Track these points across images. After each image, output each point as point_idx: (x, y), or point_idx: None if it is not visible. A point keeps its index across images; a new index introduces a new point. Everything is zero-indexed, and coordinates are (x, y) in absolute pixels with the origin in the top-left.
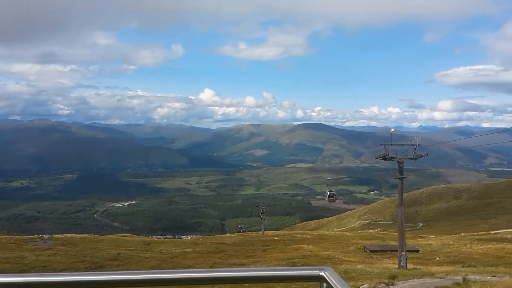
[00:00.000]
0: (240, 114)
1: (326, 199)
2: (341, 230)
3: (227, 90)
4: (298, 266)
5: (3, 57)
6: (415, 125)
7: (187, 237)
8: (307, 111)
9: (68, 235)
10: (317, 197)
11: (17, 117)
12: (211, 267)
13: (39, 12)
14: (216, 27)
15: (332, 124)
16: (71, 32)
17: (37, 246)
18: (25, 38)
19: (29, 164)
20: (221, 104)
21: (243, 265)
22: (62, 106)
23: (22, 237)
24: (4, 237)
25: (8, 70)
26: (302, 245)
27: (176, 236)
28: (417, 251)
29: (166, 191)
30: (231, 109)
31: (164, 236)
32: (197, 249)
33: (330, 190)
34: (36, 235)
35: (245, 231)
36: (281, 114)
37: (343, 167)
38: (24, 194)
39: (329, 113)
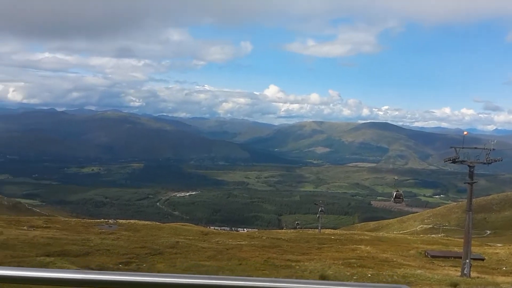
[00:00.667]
0: (304, 111)
1: (392, 199)
2: (401, 233)
3: (292, 86)
4: (363, 274)
5: (83, 51)
6: (490, 128)
7: (244, 230)
8: (373, 109)
9: (131, 221)
10: (378, 198)
11: (92, 108)
12: (265, 261)
13: (119, 9)
14: (285, 24)
15: (400, 124)
16: (146, 28)
17: (103, 230)
18: (104, 34)
19: (101, 152)
20: (285, 101)
21: (297, 261)
22: (133, 99)
23: (89, 220)
24: (74, 220)
25: (87, 63)
26: (359, 246)
27: (233, 228)
28: (483, 259)
29: (226, 184)
30: (295, 106)
31: (221, 228)
32: (252, 242)
33: (397, 191)
34: (102, 220)
35: (301, 228)
36: (346, 112)
37: (408, 168)
38: (94, 180)
39: (397, 113)
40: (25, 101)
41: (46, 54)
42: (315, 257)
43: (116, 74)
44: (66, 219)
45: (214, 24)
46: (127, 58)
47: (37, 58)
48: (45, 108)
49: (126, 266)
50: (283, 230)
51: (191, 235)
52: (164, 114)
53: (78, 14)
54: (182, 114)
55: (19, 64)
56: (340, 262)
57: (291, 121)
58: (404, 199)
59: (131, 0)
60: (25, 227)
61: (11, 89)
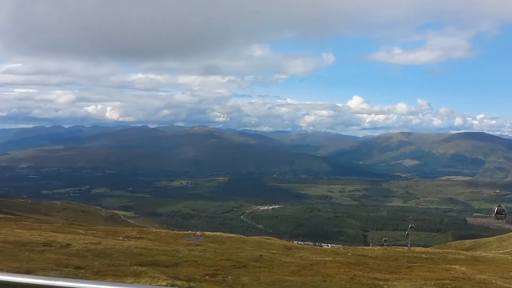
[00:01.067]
0: (390, 121)
1: (493, 215)
2: (501, 253)
3: (376, 97)
4: None
5: (173, 70)
6: None
7: (328, 246)
8: (467, 119)
9: (217, 233)
10: (474, 214)
11: (181, 124)
12: (351, 279)
13: (205, 30)
14: (369, 33)
15: (497, 133)
16: (231, 46)
17: (190, 242)
18: (192, 54)
19: (188, 166)
20: (370, 112)
21: (385, 280)
22: (218, 114)
23: (178, 232)
24: (164, 231)
25: (176, 81)
26: (453, 266)
27: (317, 243)
28: None
29: (308, 197)
30: (380, 117)
31: (305, 242)
32: (337, 258)
33: (499, 206)
34: (190, 231)
35: (389, 245)
36: (436, 122)
37: (508, 182)
38: (183, 193)
39: (494, 122)
40: (121, 119)
41: (139, 75)
42: (405, 276)
43: (202, 91)
44: (157, 230)
45: (295, 38)
46: (213, 75)
47: (131, 79)
48: (139, 125)
49: (212, 278)
50: (370, 247)
51: (274, 249)
52: (248, 128)
53: (168, 37)
54: (265, 128)
55: (116, 85)
56: (432, 283)
57: (376, 133)
58: (506, 215)
59: (217, 21)
60: (120, 237)
61: (108, 108)
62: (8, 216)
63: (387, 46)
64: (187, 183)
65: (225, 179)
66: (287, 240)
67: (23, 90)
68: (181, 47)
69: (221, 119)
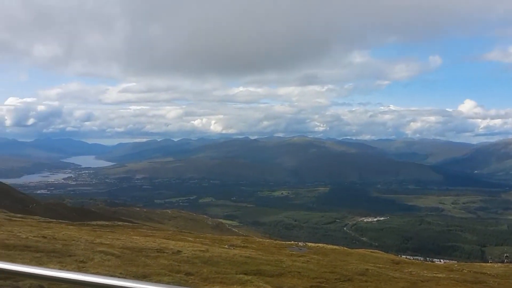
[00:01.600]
0: (509, 126)
1: None
2: None
3: (491, 100)
4: None
5: (272, 82)
6: None
7: (440, 261)
8: None
9: (320, 244)
10: None
11: (280, 134)
12: None
13: (304, 41)
14: (481, 32)
15: None
16: (330, 55)
17: (293, 252)
18: (291, 65)
19: (289, 176)
20: (485, 116)
21: None
22: (318, 124)
23: (281, 242)
24: (267, 240)
25: (275, 93)
26: None
27: (428, 258)
28: None
29: (417, 209)
30: (497, 121)
31: (414, 257)
32: (451, 275)
33: None
34: (292, 242)
35: (510, 262)
36: None
37: None
38: (284, 203)
39: None
40: (224, 131)
41: (241, 88)
42: None
43: (301, 101)
44: (261, 239)
45: (397, 42)
46: (312, 85)
47: (233, 92)
48: (241, 137)
49: None
50: (489, 264)
51: (381, 263)
52: (348, 137)
53: (268, 50)
54: (367, 137)
55: (219, 99)
56: None
57: (493, 139)
58: None
59: (316, 31)
60: (226, 246)
61: (213, 121)
62: (126, 223)
63: (502, 45)
64: (288, 193)
65: (326, 189)
66: (394, 254)
67: (137, 107)
68: (280, 59)
69: (321, 129)
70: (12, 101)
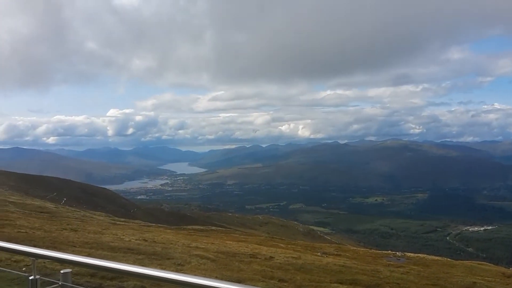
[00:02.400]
0: None
1: None
2: None
3: None
4: None
5: (361, 84)
6: None
7: None
8: None
9: (420, 255)
10: None
11: (372, 138)
12: None
13: (396, 39)
14: None
15: None
16: (424, 52)
17: (391, 262)
18: (381, 65)
19: (383, 182)
20: None
21: None
22: (413, 126)
23: (376, 251)
24: (361, 249)
25: (365, 95)
26: None
27: None
28: None
29: None
30: None
31: None
32: None
33: None
34: (389, 251)
35: None
36: None
37: None
38: (379, 211)
39: None
40: (312, 136)
41: (328, 92)
42: None
43: (394, 102)
44: (355, 248)
45: (501, 34)
46: (404, 85)
47: (320, 96)
48: (329, 141)
49: None
50: None
51: (490, 276)
52: (448, 139)
53: (355, 51)
54: (469, 138)
55: (306, 104)
56: None
57: None
58: None
59: (408, 28)
60: (318, 253)
61: (300, 127)
62: (219, 228)
63: None
64: (383, 199)
65: (424, 196)
66: (505, 267)
67: (226, 115)
68: (370, 60)
69: (417, 131)
70: (113, 112)
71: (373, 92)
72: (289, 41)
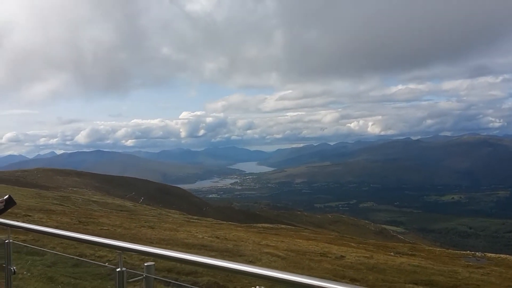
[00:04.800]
0: None
1: None
2: None
3: None
4: None
5: (435, 77)
6: None
7: None
8: None
9: (502, 255)
10: None
11: (447, 133)
12: None
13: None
14: None
15: None
16: (504, 40)
17: (470, 263)
18: (456, 56)
19: (459, 179)
20: None
21: None
22: (492, 119)
23: (454, 251)
24: (438, 249)
25: (439, 88)
26: None
27: None
28: None
29: None
30: None
31: None
32: None
33: None
34: (468, 251)
35: None
36: None
37: None
38: (455, 209)
39: None
40: (382, 132)
41: (400, 87)
42: None
43: (470, 95)
44: (430, 248)
45: None
46: (483, 77)
47: (391, 91)
48: (401, 137)
49: None
50: None
51: None
52: None
53: (429, 43)
54: None
55: (376, 100)
56: None
57: None
58: None
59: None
60: (391, 253)
61: (370, 123)
62: (288, 226)
63: None
64: (460, 197)
65: (507, 193)
66: None
67: (293, 114)
68: (443, 52)
69: (496, 125)
70: (185, 115)
71: (448, 85)
72: (361, 35)
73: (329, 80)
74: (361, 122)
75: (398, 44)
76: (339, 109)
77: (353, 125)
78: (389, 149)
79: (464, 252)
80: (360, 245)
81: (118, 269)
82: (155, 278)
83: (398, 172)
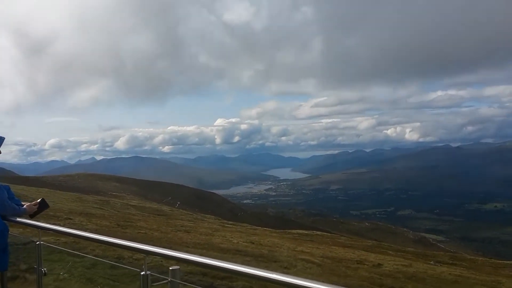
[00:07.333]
0: None
1: None
2: None
3: None
4: None
5: (476, 83)
6: None
7: None
8: None
9: None
10: None
11: (489, 140)
12: None
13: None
14: None
15: None
16: None
17: None
18: (499, 61)
19: (502, 187)
20: None
21: None
22: None
23: (497, 261)
24: (480, 258)
25: (481, 94)
26: None
27: None
28: None
29: None
30: None
31: None
32: None
33: None
34: None
35: None
36: None
37: None
38: (498, 218)
39: None
40: (421, 139)
41: (439, 93)
42: None
43: None
44: (472, 257)
45: None
46: None
47: (430, 98)
48: (440, 144)
49: None
50: None
51: None
52: None
53: (471, 49)
54: None
55: (414, 106)
56: None
57: None
58: None
59: None
60: (431, 262)
61: (407, 130)
62: (324, 233)
63: None
64: (503, 206)
65: None
66: None
67: (328, 120)
68: (485, 57)
69: None
70: (220, 122)
71: (490, 91)
72: (400, 41)
73: (366, 87)
74: (398, 128)
75: (439, 51)
76: (376, 116)
77: (390, 131)
78: (428, 156)
79: (508, 262)
80: (398, 253)
81: (142, 273)
82: (179, 282)
83: (438, 180)
